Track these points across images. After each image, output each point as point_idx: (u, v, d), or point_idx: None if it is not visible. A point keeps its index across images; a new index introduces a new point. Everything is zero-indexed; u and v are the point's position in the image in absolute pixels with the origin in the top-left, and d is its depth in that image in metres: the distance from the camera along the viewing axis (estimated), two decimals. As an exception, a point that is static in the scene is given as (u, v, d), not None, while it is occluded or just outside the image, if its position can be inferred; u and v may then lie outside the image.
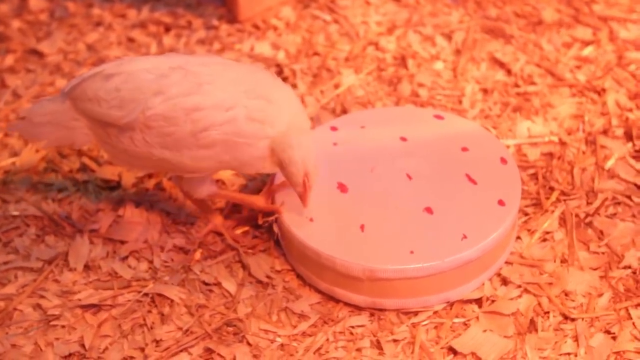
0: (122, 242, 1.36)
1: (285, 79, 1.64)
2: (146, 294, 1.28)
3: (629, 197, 1.39)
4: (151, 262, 1.33)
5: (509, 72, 1.65)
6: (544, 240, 1.34)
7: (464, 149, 1.35)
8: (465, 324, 1.23)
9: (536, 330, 1.21)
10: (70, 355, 1.21)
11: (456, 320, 1.23)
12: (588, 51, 1.69)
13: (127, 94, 1.18)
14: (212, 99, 1.17)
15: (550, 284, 1.27)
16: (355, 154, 1.34)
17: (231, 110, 1.17)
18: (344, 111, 1.57)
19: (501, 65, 1.66)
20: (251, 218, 1.36)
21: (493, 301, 1.25)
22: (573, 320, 1.22)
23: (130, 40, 1.78)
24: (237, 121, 1.18)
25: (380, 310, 1.25)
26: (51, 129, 1.27)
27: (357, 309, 1.25)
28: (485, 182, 1.30)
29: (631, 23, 1.75)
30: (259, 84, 1.20)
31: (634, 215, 1.36)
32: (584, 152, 1.48)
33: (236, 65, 1.23)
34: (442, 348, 1.20)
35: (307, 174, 1.20)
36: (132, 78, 1.19)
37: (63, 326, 1.25)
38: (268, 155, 1.21)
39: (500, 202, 1.27)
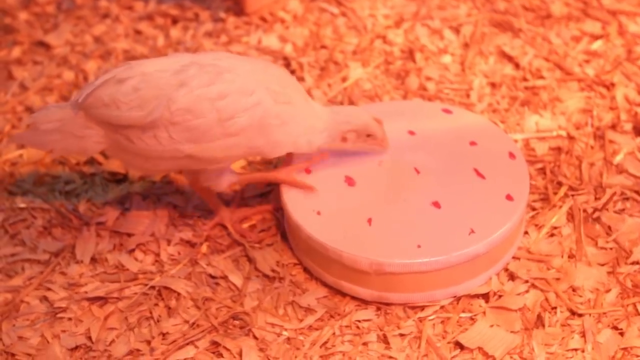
0: (129, 235, 1.36)
1: (292, 72, 1.64)
2: (153, 287, 1.28)
3: (638, 193, 1.39)
4: (158, 255, 1.33)
5: (517, 66, 1.64)
6: (552, 235, 1.33)
7: (472, 143, 1.35)
8: (472, 319, 1.23)
9: (543, 326, 1.21)
10: (76, 347, 1.21)
11: (463, 315, 1.23)
12: (597, 45, 1.68)
13: (147, 92, 1.17)
14: (234, 85, 1.18)
15: (558, 279, 1.27)
16: (363, 147, 1.34)
17: (255, 94, 1.18)
18: (352, 104, 1.57)
19: (509, 59, 1.65)
20: (258, 212, 1.36)
21: (500, 296, 1.25)
22: (580, 315, 1.22)
23: (138, 32, 1.77)
24: (263, 104, 1.19)
25: (387, 304, 1.24)
26: (59, 137, 1.23)
27: (364, 303, 1.25)
28: (494, 176, 1.29)
29: (640, 17, 1.74)
30: (273, 75, 1.22)
31: (642, 211, 1.36)
32: (592, 147, 1.47)
33: (247, 59, 1.25)
34: (448, 343, 1.20)
35: (375, 119, 1.29)
36: (148, 78, 1.18)
37: (70, 319, 1.25)
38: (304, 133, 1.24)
39: (508, 197, 1.26)
